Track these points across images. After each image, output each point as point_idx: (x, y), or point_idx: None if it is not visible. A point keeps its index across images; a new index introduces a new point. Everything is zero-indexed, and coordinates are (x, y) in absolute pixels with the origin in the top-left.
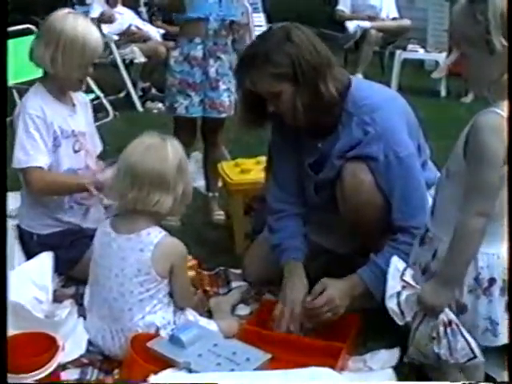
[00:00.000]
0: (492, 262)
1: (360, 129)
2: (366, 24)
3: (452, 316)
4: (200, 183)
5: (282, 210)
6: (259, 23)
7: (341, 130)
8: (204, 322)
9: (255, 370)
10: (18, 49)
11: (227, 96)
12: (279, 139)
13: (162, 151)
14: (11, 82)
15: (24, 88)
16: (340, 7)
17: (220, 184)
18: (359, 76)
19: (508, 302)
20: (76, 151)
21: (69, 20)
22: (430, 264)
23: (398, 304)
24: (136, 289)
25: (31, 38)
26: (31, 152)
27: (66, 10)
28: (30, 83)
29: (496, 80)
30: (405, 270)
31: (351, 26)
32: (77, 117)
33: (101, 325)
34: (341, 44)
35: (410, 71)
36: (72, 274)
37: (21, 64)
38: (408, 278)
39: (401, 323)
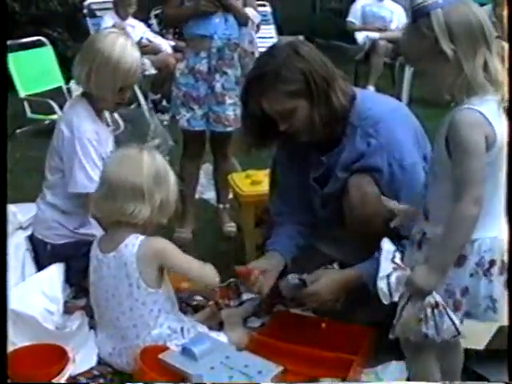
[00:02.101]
0: (494, 245)
1: (364, 141)
2: (375, 35)
3: (438, 298)
4: (211, 195)
5: (281, 223)
6: (270, 35)
7: (345, 142)
8: (214, 334)
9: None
10: (30, 61)
11: (232, 110)
12: (284, 155)
13: (137, 161)
14: (22, 93)
15: (35, 100)
16: (350, 19)
17: (231, 196)
18: (371, 88)
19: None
20: None
21: (108, 40)
22: None
23: (388, 284)
24: (134, 305)
25: (43, 50)
26: (94, 177)
27: (115, 31)
28: (42, 95)
29: (453, 84)
30: (395, 252)
31: (360, 37)
32: (111, 138)
33: (109, 343)
34: (351, 56)
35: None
36: (85, 285)
37: (32, 76)
38: (398, 260)
39: (386, 303)
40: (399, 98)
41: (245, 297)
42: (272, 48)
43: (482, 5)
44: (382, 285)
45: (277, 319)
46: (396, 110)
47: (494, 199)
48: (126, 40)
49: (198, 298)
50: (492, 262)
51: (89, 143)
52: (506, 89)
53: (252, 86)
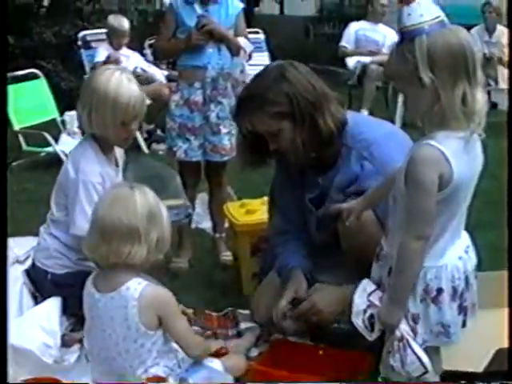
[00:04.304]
0: (440, 274)
1: (358, 163)
2: (366, 59)
3: (404, 331)
4: (207, 224)
5: (285, 241)
6: (263, 62)
7: (340, 164)
8: (207, 360)
9: None
10: (24, 93)
11: (228, 139)
12: (282, 175)
13: (130, 201)
14: (17, 126)
15: (30, 132)
16: (343, 43)
17: (227, 224)
18: (364, 112)
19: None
20: None
21: (103, 77)
22: (385, 279)
23: (363, 321)
24: (131, 346)
25: (37, 82)
26: None
27: (110, 66)
28: (36, 127)
29: (428, 111)
30: (373, 291)
31: (351, 62)
32: (119, 174)
33: (104, 379)
34: (344, 80)
35: None
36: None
37: (27, 108)
38: (374, 298)
39: (370, 339)
40: (393, 122)
41: (242, 326)
42: (262, 70)
43: (473, 25)
44: (357, 321)
45: (274, 348)
46: (390, 133)
47: (447, 230)
48: (122, 74)
49: (195, 327)
50: (439, 290)
51: (92, 187)
52: (483, 120)
53: (241, 106)
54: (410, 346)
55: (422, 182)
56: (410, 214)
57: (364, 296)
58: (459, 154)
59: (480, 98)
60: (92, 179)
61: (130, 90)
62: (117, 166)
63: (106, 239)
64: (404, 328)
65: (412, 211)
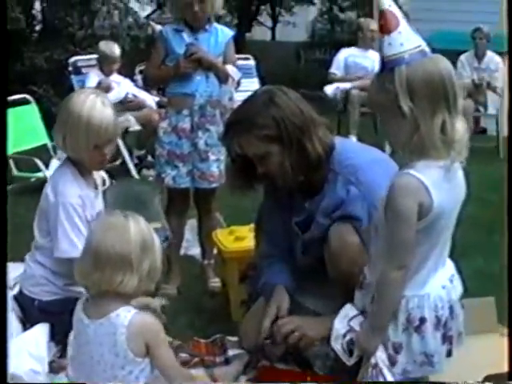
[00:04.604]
0: (422, 303)
1: (344, 188)
2: (347, 85)
3: (379, 358)
4: (196, 251)
5: (270, 263)
6: (253, 88)
7: (327, 189)
8: (193, 371)
9: None
10: (15, 118)
11: (216, 166)
12: (270, 199)
13: (123, 230)
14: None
15: (21, 158)
16: (332, 70)
17: (215, 251)
18: (352, 138)
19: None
20: None
21: (78, 99)
22: (368, 307)
23: (342, 345)
24: (119, 373)
25: (28, 107)
26: (76, 242)
27: (87, 90)
28: (27, 153)
29: (408, 141)
30: (354, 316)
31: (329, 89)
32: (99, 197)
33: None
34: (333, 106)
35: None
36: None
37: (17, 134)
38: (355, 323)
39: (348, 364)
40: (382, 148)
41: (230, 353)
42: (252, 94)
43: (463, 51)
44: (336, 346)
45: (262, 374)
46: (377, 159)
47: (429, 259)
48: (97, 97)
49: (183, 354)
50: (422, 319)
51: (72, 209)
52: (464, 149)
53: (229, 128)
54: (383, 375)
55: (401, 211)
56: (390, 243)
57: (345, 321)
58: (439, 183)
59: (460, 127)
60: (71, 201)
61: (103, 113)
62: (96, 188)
63: (99, 267)
64: (380, 356)
65: (392, 240)
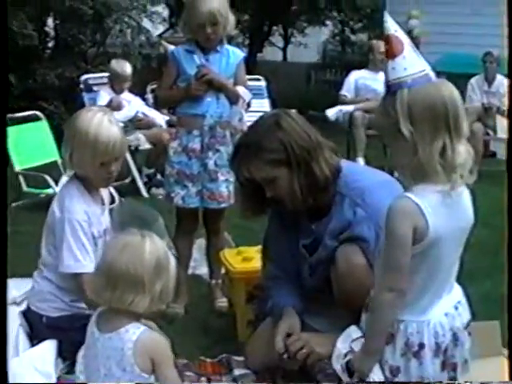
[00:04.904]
0: (422, 329)
1: (351, 210)
2: (350, 108)
3: (374, 379)
4: (203, 270)
5: (277, 284)
6: (263, 109)
7: (334, 211)
8: None
9: None
10: (24, 135)
11: (226, 187)
12: (277, 221)
13: (139, 250)
14: (18, 167)
15: (31, 174)
16: (343, 92)
17: (223, 271)
18: (360, 160)
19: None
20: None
21: (85, 117)
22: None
23: (341, 365)
24: None
25: (38, 124)
26: (80, 257)
27: (94, 108)
28: (37, 169)
29: (408, 164)
30: (357, 338)
31: (330, 112)
32: (106, 214)
33: None
34: (342, 128)
35: None
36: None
37: (28, 150)
38: (356, 345)
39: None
40: (391, 170)
41: (236, 372)
42: (258, 119)
43: (473, 74)
44: (337, 365)
45: None
46: (384, 181)
47: (431, 286)
48: (104, 115)
49: (189, 373)
50: (421, 345)
51: (78, 225)
52: (466, 173)
53: (237, 154)
54: None
55: (395, 234)
56: (384, 265)
57: (347, 341)
58: (437, 208)
59: (463, 151)
60: (77, 217)
61: (110, 131)
62: (103, 204)
63: (111, 285)
64: (373, 378)
65: (386, 262)
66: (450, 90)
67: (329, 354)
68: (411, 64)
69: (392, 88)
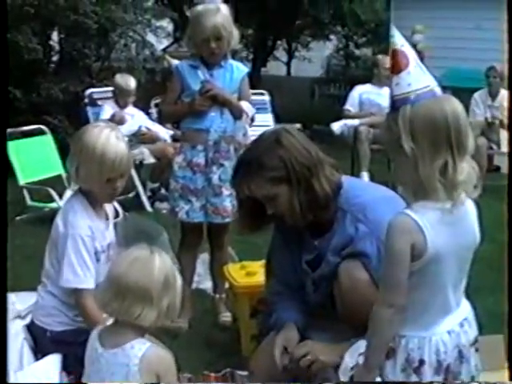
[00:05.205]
0: (423, 345)
1: (353, 226)
2: (355, 122)
3: None
4: (207, 285)
5: (281, 300)
6: (267, 123)
7: (336, 227)
8: None
9: None
10: (30, 149)
11: (230, 201)
12: (279, 238)
13: (148, 265)
14: (22, 181)
15: (35, 188)
16: (347, 107)
17: (227, 286)
18: (364, 174)
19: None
20: (107, 264)
21: (93, 132)
22: None
23: (348, 378)
24: None
25: (43, 138)
26: (80, 273)
27: (101, 123)
28: (41, 183)
29: (409, 180)
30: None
31: (335, 126)
32: (110, 228)
33: None
34: (346, 142)
35: None
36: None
37: (32, 164)
38: (361, 359)
39: None
40: (394, 185)
41: None
42: (258, 136)
43: (477, 89)
44: (343, 378)
45: None
46: (385, 197)
47: (431, 303)
48: (111, 131)
49: None
50: (421, 362)
51: (80, 240)
52: (470, 190)
53: (238, 171)
54: None
55: (393, 250)
56: (382, 280)
57: (355, 355)
58: (437, 225)
59: (465, 169)
60: (80, 232)
61: (117, 147)
62: (107, 219)
63: (119, 297)
64: None
65: (384, 278)
66: (453, 106)
67: (332, 362)
68: (416, 79)
69: (396, 103)
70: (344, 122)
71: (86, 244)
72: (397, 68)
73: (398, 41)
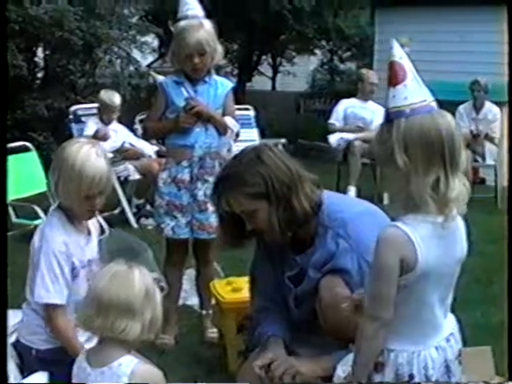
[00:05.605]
0: (411, 360)
1: (334, 241)
2: (350, 136)
3: None
4: (193, 301)
5: (265, 315)
6: (252, 138)
7: (317, 243)
8: None
9: None
10: (15, 165)
11: (215, 217)
12: (261, 254)
13: (128, 279)
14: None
15: (20, 205)
16: (332, 121)
17: (213, 302)
18: (352, 188)
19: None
20: (88, 280)
21: (73, 149)
22: None
23: None
24: None
25: (27, 155)
26: (51, 289)
27: (82, 139)
28: (26, 200)
29: (400, 194)
30: None
31: (333, 139)
32: (91, 244)
33: None
34: (333, 156)
35: None
36: None
37: (17, 181)
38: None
39: None
40: (381, 198)
41: None
42: (239, 152)
43: (461, 102)
44: None
45: None
46: (366, 212)
47: (420, 317)
48: (91, 148)
49: None
50: (411, 376)
51: (53, 256)
52: (463, 207)
53: (218, 186)
54: None
55: (382, 263)
56: (369, 294)
57: (346, 366)
58: (428, 239)
59: (457, 185)
60: (54, 247)
61: (96, 164)
62: (89, 234)
63: (103, 313)
64: None
65: (370, 291)
66: (447, 121)
67: (316, 375)
68: (412, 93)
69: (390, 116)
70: (340, 136)
71: (59, 260)
72: (394, 80)
73: (397, 53)
